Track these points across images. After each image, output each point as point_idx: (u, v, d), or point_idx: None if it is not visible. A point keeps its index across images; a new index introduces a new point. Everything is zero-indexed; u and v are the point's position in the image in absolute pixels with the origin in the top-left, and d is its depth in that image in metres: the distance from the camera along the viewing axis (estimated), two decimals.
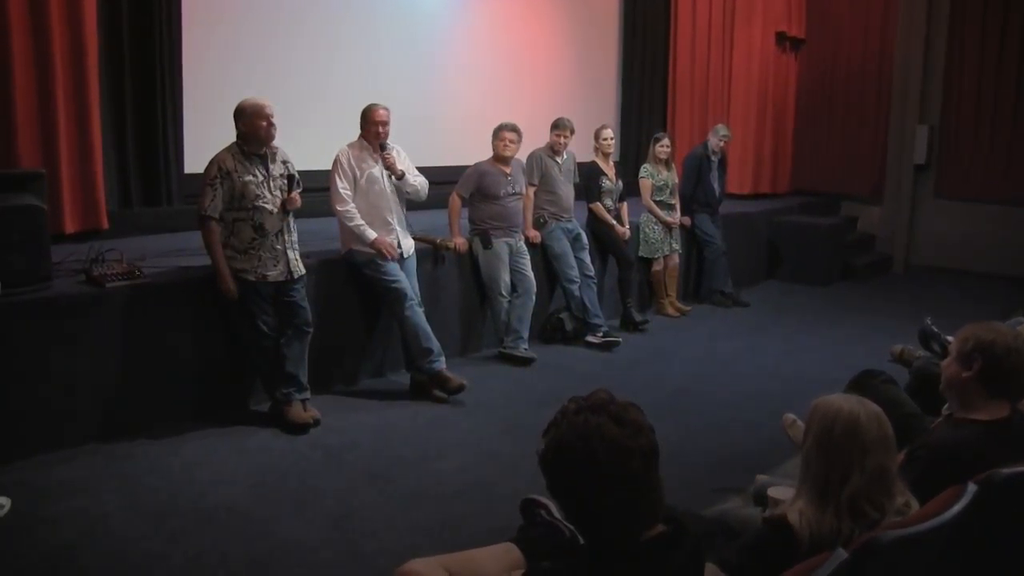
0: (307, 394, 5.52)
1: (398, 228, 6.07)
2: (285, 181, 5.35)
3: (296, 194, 5.37)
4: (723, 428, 5.65)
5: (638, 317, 8.01)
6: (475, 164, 7.00)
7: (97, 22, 6.21)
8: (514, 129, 6.89)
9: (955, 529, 2.40)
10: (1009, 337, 3.05)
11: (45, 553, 3.84)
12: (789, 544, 2.37)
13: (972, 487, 2.46)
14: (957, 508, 2.38)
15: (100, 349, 5.02)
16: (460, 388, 5.93)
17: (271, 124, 5.24)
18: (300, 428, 5.34)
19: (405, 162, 6.14)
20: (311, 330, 5.53)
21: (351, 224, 5.91)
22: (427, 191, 6.23)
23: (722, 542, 2.81)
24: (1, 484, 4.29)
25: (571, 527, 2.89)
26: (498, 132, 6.91)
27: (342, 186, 5.90)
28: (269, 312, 5.38)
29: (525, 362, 6.82)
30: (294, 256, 5.43)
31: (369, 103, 6.01)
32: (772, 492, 3.03)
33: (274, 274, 5.32)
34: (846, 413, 2.49)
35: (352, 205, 5.91)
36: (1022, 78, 10.73)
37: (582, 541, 2.05)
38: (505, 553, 2.48)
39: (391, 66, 8.30)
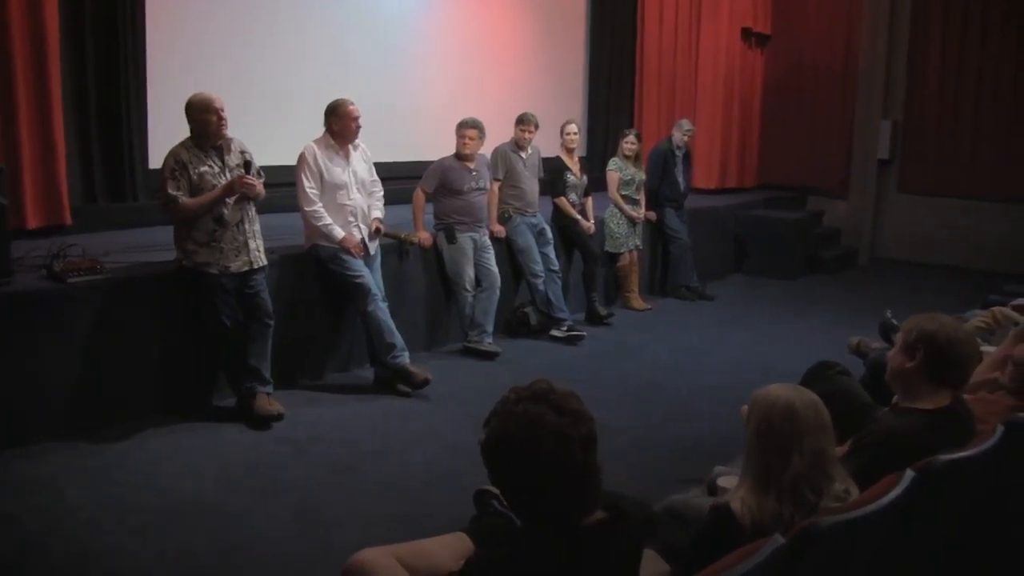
0: (270, 388, 5.54)
1: (362, 225, 6.09)
2: (242, 170, 5.35)
3: (251, 177, 5.34)
4: (686, 419, 5.72)
5: (603, 311, 8.08)
6: (439, 159, 7.04)
7: (59, 16, 6.16)
8: (475, 126, 6.93)
9: (896, 515, 2.47)
10: (951, 328, 3.12)
11: (11, 548, 3.86)
12: (732, 530, 2.44)
13: (910, 473, 2.53)
14: (895, 494, 2.45)
15: (63, 344, 5.02)
16: (425, 383, 5.96)
17: (221, 118, 5.26)
18: (265, 420, 5.36)
19: (368, 162, 6.20)
20: (272, 322, 5.55)
21: (319, 224, 5.92)
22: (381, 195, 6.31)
23: (673, 530, 2.87)
24: None
25: None
26: (459, 129, 6.96)
27: (309, 186, 5.90)
28: (232, 305, 5.39)
29: (490, 356, 6.86)
30: (256, 246, 5.46)
31: (337, 98, 6.01)
32: (721, 481, 3.10)
33: (236, 265, 5.35)
34: (783, 400, 2.56)
35: (319, 205, 5.91)
36: (984, 74, 10.88)
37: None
38: (456, 542, 2.51)
39: (357, 62, 8.30)
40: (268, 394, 5.51)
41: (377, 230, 6.15)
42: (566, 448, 1.97)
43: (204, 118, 5.24)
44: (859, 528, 2.34)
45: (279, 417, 5.42)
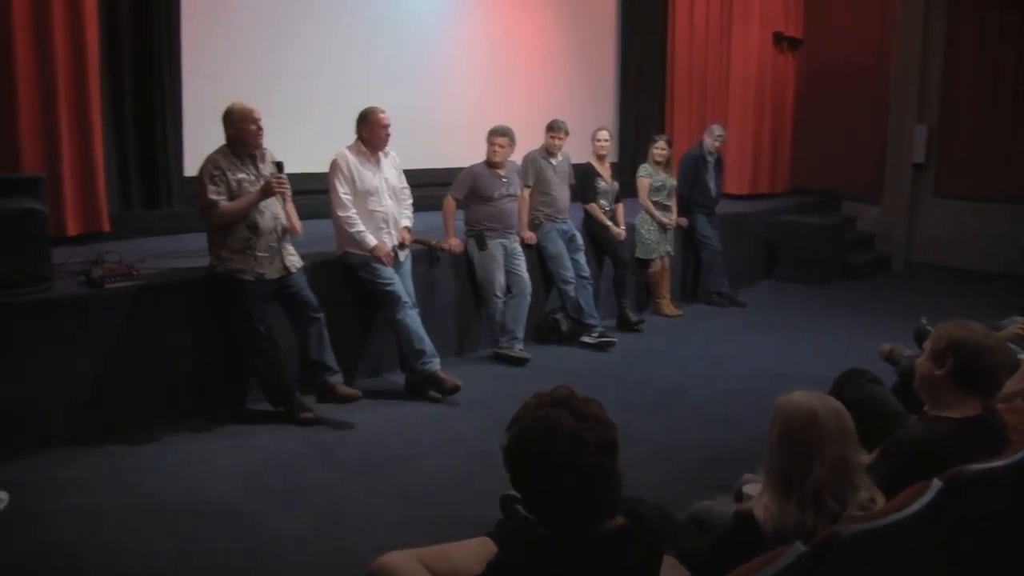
0: (339, 376, 5.70)
1: (393, 232, 6.14)
2: (277, 172, 5.45)
3: (284, 177, 5.41)
4: (714, 426, 5.70)
5: (634, 317, 8.07)
6: (469, 166, 7.08)
7: (98, 27, 6.30)
8: (505, 134, 6.96)
9: (923, 525, 2.46)
10: (981, 335, 3.08)
11: (41, 548, 3.93)
12: (754, 537, 2.44)
13: (937, 483, 2.51)
14: (920, 503, 2.44)
15: (99, 349, 5.11)
16: (455, 389, 5.99)
17: (259, 128, 5.37)
18: (350, 399, 5.60)
19: (399, 169, 6.26)
20: (321, 314, 5.64)
21: (352, 230, 5.97)
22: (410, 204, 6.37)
23: (695, 536, 2.87)
24: (0, 480, 4.37)
25: None
26: (489, 136, 6.99)
27: (343, 191, 5.95)
28: (267, 312, 5.45)
29: (520, 362, 6.87)
30: (290, 251, 5.55)
31: (368, 106, 6.07)
32: (746, 489, 3.09)
33: (271, 272, 5.42)
34: (805, 408, 2.56)
35: (353, 211, 5.96)
36: (1020, 76, 10.78)
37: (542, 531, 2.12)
38: (481, 546, 2.53)
39: (387, 68, 8.36)
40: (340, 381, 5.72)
41: (403, 240, 6.19)
42: (582, 452, 2.00)
43: (244, 127, 5.33)
44: (882, 537, 2.33)
45: (355, 399, 5.68)
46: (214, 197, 5.25)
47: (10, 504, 4.23)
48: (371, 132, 5.99)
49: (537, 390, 2.21)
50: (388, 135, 6.04)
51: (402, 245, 6.19)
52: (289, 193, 5.52)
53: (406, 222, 6.25)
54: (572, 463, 1.99)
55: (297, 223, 5.56)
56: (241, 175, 5.35)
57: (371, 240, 5.98)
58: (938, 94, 11.30)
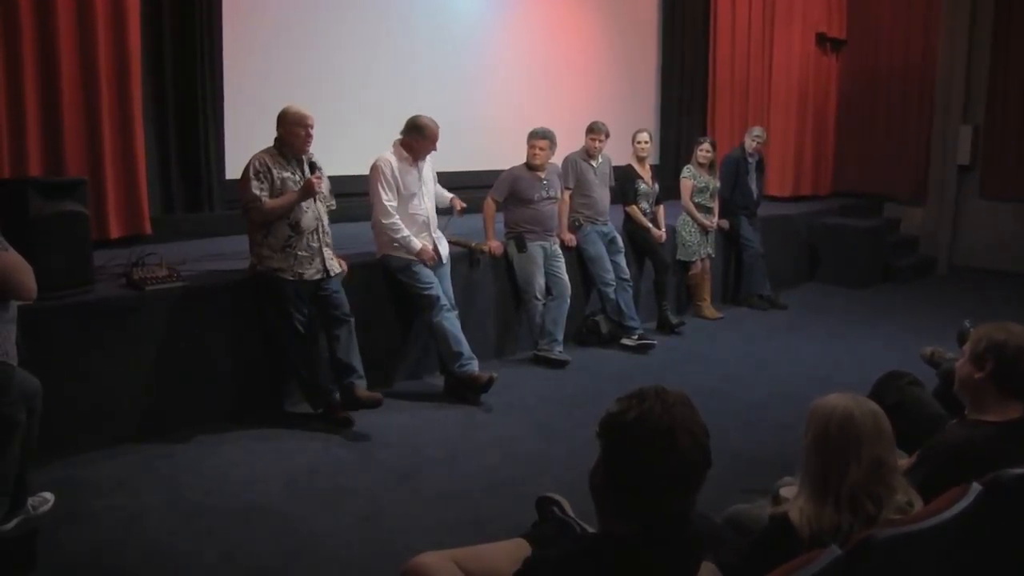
0: (363, 381, 5.66)
1: (433, 234, 6.17)
2: (311, 172, 5.47)
3: (319, 174, 5.45)
4: (755, 429, 5.67)
5: (674, 320, 8.05)
6: (509, 168, 7.08)
7: (140, 31, 6.38)
8: (546, 136, 6.95)
9: (961, 529, 2.43)
10: (1021, 338, 3.04)
11: (86, 548, 3.98)
12: (790, 540, 2.42)
13: (976, 487, 2.48)
14: (959, 507, 2.41)
15: (140, 351, 5.16)
16: (490, 381, 5.99)
17: (309, 135, 5.40)
18: (372, 404, 5.52)
19: (432, 170, 6.30)
20: (351, 318, 5.64)
21: (397, 236, 6.00)
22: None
23: (731, 540, 2.85)
24: (46, 481, 4.43)
25: (581, 523, 2.96)
26: (529, 139, 6.99)
27: (387, 199, 5.98)
28: (305, 312, 5.49)
29: (560, 364, 6.86)
30: (329, 255, 5.57)
31: (423, 116, 6.06)
32: (783, 491, 3.07)
33: (310, 272, 5.45)
34: (841, 409, 2.53)
35: (397, 217, 5.99)
36: None
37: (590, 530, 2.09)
38: (516, 548, 2.54)
39: (428, 71, 8.40)
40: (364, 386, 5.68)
41: (455, 205, 6.39)
42: (695, 450, 1.98)
43: (294, 131, 5.38)
44: (919, 541, 2.30)
45: (377, 404, 5.56)
46: (256, 192, 5.30)
47: (57, 504, 4.30)
48: (422, 144, 6.01)
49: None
50: (435, 148, 6.09)
51: (461, 208, 6.41)
52: (328, 198, 5.63)
53: (448, 195, 6.42)
54: (684, 455, 1.96)
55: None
56: (286, 174, 5.39)
57: (416, 244, 6.02)
58: (984, 95, 11.17)
